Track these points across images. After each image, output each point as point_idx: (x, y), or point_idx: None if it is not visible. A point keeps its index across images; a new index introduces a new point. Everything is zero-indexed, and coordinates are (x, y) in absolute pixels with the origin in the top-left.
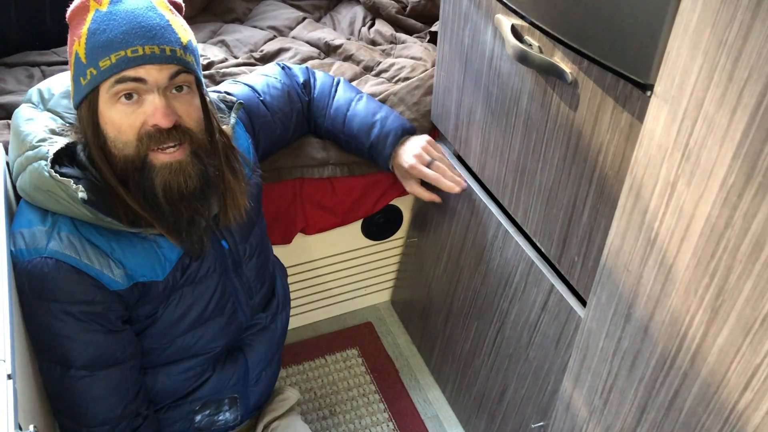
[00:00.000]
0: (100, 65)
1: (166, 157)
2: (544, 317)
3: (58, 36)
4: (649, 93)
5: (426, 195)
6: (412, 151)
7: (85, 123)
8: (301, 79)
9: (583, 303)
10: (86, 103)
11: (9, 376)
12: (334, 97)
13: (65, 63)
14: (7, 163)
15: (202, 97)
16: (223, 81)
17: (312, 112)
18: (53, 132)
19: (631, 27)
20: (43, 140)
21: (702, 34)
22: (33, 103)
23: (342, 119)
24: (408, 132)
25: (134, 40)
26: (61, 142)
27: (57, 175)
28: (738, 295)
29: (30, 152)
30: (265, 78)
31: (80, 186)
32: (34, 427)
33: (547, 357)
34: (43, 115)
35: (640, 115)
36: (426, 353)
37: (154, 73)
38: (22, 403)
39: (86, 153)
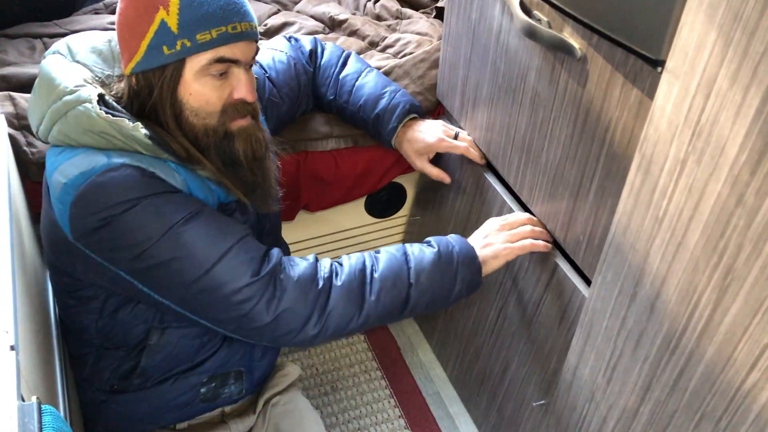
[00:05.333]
0: (197, 38)
1: (243, 122)
2: (547, 296)
3: (60, 8)
4: (660, 69)
5: (435, 172)
6: (434, 128)
7: (165, 91)
8: (307, 48)
9: (588, 282)
10: (164, 71)
11: (12, 347)
12: (342, 66)
13: (67, 35)
14: (10, 135)
15: None
16: None
17: (317, 82)
18: (87, 82)
19: (643, 1)
20: (80, 86)
21: (717, 8)
22: (62, 54)
23: (350, 88)
24: (416, 109)
25: (232, 17)
26: (96, 90)
27: (109, 116)
28: (747, 274)
29: (69, 97)
30: (271, 52)
31: (139, 123)
32: (37, 398)
33: (550, 336)
34: (74, 65)
35: (651, 92)
36: (428, 331)
37: (246, 52)
38: (25, 374)
39: (127, 106)
